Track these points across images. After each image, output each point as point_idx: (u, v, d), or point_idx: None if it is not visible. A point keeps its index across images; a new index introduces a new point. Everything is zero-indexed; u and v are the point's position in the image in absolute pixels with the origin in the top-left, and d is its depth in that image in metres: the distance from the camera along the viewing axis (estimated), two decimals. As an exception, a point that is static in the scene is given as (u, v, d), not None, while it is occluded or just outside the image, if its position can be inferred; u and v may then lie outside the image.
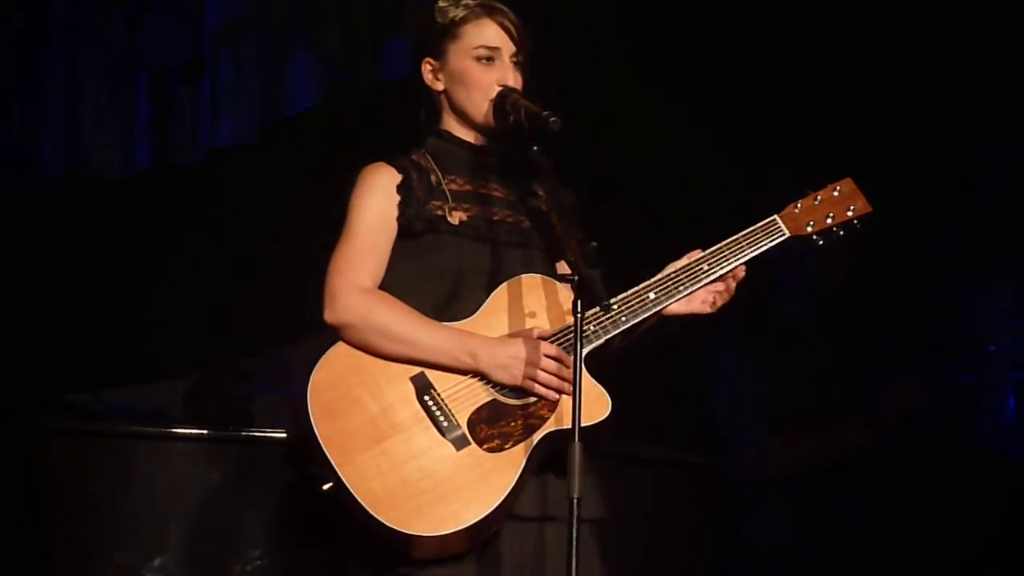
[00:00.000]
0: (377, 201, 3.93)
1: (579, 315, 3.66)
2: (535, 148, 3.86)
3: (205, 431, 4.63)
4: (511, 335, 3.86)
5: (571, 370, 3.74)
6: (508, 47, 3.99)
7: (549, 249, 4.02)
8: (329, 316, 3.86)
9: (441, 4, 4.03)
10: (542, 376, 3.80)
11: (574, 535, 3.55)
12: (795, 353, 5.85)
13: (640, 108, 6.37)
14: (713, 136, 6.36)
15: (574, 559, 3.55)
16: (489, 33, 3.99)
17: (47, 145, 6.98)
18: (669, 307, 3.99)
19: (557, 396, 3.80)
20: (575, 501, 3.56)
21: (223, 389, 5.32)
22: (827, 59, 6.42)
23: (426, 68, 4.05)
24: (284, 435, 4.46)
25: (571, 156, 3.97)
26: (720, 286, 4.03)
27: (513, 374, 3.81)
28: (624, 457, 4.90)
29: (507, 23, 4.00)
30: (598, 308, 3.81)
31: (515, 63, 4.00)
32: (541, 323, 3.89)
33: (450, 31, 4.00)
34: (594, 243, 3.73)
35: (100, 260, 6.84)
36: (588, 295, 3.68)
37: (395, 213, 3.92)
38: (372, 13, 6.63)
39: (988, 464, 6.05)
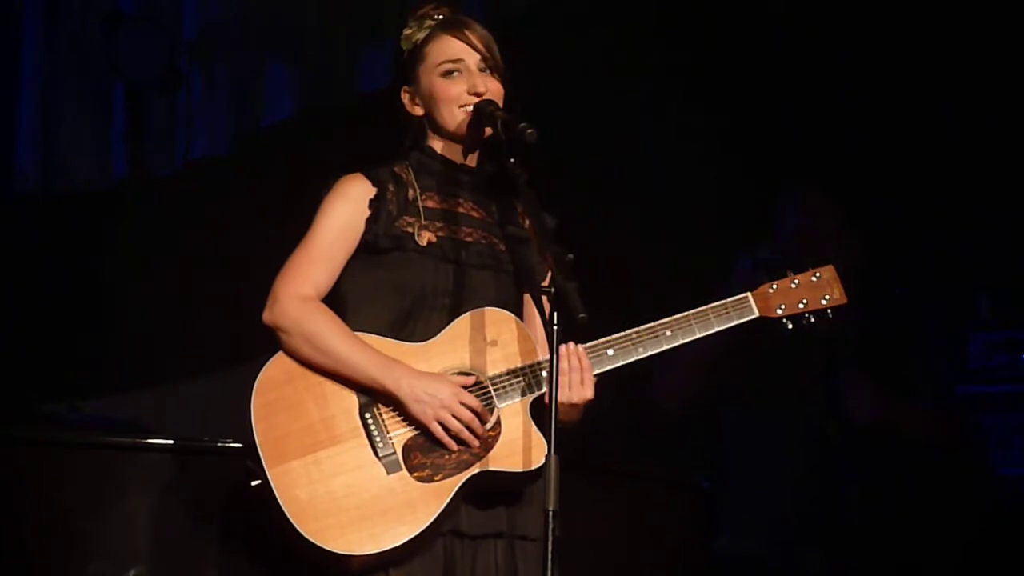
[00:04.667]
0: (344, 212, 3.93)
1: (555, 327, 3.65)
2: (512, 160, 3.85)
3: (178, 442, 4.62)
4: (440, 375, 3.83)
5: (487, 425, 3.78)
6: (472, 56, 3.98)
7: (519, 274, 4.00)
8: (266, 316, 3.88)
9: (406, 31, 4.05)
10: (452, 423, 3.78)
11: (549, 548, 3.53)
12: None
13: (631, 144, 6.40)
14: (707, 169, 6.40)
15: (549, 571, 3.54)
16: (450, 47, 3.99)
17: (23, 156, 6.97)
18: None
19: (455, 447, 3.78)
20: (550, 514, 3.54)
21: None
22: (819, 77, 6.46)
23: (405, 97, 4.05)
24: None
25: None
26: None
27: (425, 411, 3.78)
28: (599, 470, 4.90)
29: (467, 33, 4.00)
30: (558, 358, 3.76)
31: (484, 69, 3.99)
32: (493, 361, 3.86)
33: (416, 55, 4.02)
34: (571, 256, 3.72)
35: (75, 271, 6.83)
36: (564, 308, 3.66)
37: (361, 226, 3.91)
38: (348, 24, 6.63)
39: (967, 475, 6.07)
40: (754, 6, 6.53)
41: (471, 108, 3.95)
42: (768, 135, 6.49)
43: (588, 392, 3.85)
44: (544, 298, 3.74)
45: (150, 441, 4.69)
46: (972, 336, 6.62)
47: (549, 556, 3.53)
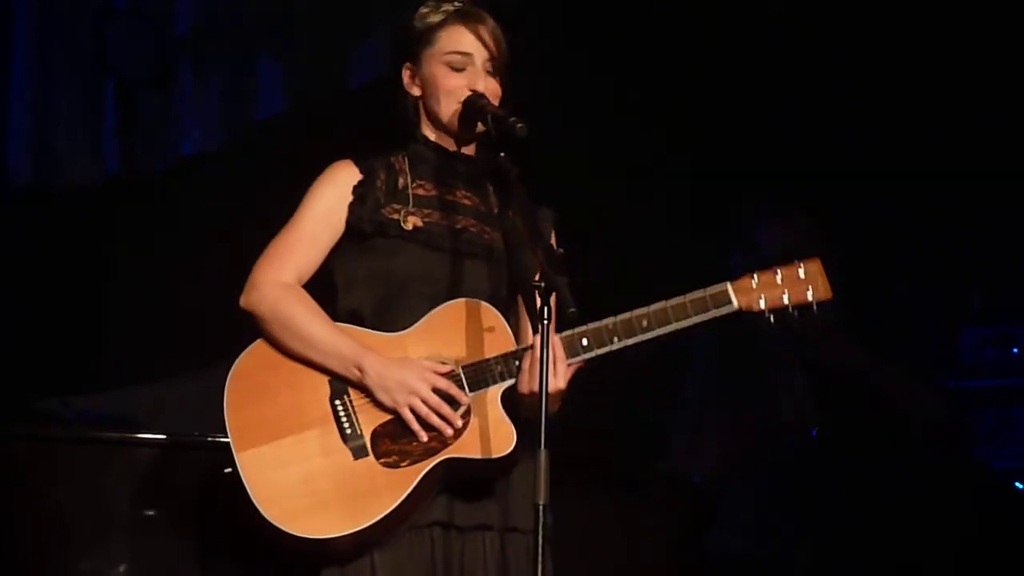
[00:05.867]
0: (328, 197, 3.94)
1: (545, 322, 3.63)
2: (502, 154, 3.85)
3: (171, 437, 4.62)
4: (409, 360, 3.83)
5: (458, 409, 3.77)
6: (481, 53, 3.97)
7: (512, 265, 3.97)
8: (243, 301, 3.89)
9: (422, 9, 4.02)
10: (422, 409, 3.78)
11: (540, 542, 3.53)
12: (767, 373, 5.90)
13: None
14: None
15: (539, 566, 3.54)
16: (462, 39, 3.97)
17: (15, 153, 6.97)
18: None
19: (424, 436, 3.77)
20: (541, 508, 3.54)
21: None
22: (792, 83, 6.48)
23: (406, 73, 4.03)
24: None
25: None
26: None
27: (395, 398, 3.78)
28: (589, 466, 4.90)
29: (482, 29, 3.98)
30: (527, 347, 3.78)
31: (489, 70, 3.98)
32: (469, 350, 3.85)
33: (425, 37, 3.99)
34: (562, 250, 3.71)
35: (68, 266, 6.83)
36: (555, 303, 3.66)
37: (344, 211, 3.92)
38: (339, 20, 6.63)
39: (958, 471, 6.08)
40: (754, 6, 6.55)
41: (465, 94, 3.94)
42: (765, 133, 6.50)
43: (560, 382, 3.78)
44: (535, 292, 3.70)
45: (143, 436, 4.69)
46: (964, 331, 6.64)
47: (539, 550, 3.53)
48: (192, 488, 4.52)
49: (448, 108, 3.97)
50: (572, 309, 3.63)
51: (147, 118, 6.92)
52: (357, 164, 3.97)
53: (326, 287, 3.97)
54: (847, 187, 6.40)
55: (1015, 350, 6.58)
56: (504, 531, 3.86)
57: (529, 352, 3.78)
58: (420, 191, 3.98)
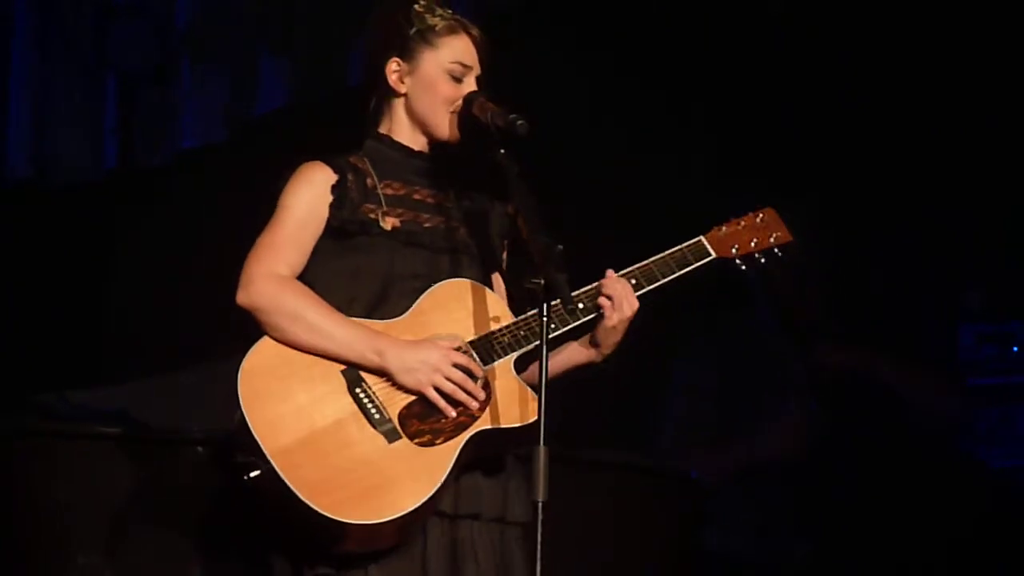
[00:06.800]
0: (308, 196, 3.94)
1: (544, 318, 3.67)
2: (502, 152, 3.86)
3: (169, 433, 4.63)
4: (425, 340, 3.85)
5: (478, 382, 3.81)
6: (477, 68, 4.02)
7: (481, 256, 4.03)
8: (241, 298, 3.86)
9: (417, 9, 4.03)
10: (447, 386, 3.80)
11: (538, 538, 3.54)
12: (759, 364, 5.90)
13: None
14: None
15: (539, 563, 3.54)
16: (468, 51, 4.01)
17: (15, 148, 6.97)
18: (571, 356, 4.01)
19: (453, 412, 3.80)
20: (539, 505, 3.56)
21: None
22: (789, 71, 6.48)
23: (391, 67, 4.03)
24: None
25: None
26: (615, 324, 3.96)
27: (418, 379, 3.80)
28: (585, 462, 4.90)
29: (481, 44, 4.03)
30: (527, 314, 3.87)
31: (477, 81, 4.02)
32: (468, 328, 3.90)
33: (426, 38, 4.00)
34: (560, 247, 3.73)
35: (68, 261, 6.83)
36: (553, 298, 3.70)
37: (325, 210, 3.93)
38: (340, 16, 6.63)
39: (956, 469, 6.09)
40: (754, 6, 6.55)
41: (459, 104, 3.97)
42: (763, 130, 6.51)
43: (635, 301, 3.93)
44: (496, 290, 3.84)
45: (139, 432, 4.69)
46: (962, 328, 6.64)
47: (539, 547, 3.54)
48: (191, 483, 4.53)
49: (438, 114, 4.01)
50: (571, 306, 3.72)
51: (147, 114, 6.92)
52: (328, 164, 3.99)
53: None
54: (845, 185, 6.41)
55: (1015, 348, 6.58)
56: (495, 521, 3.88)
57: (605, 283, 3.93)
58: (389, 191, 4.00)
